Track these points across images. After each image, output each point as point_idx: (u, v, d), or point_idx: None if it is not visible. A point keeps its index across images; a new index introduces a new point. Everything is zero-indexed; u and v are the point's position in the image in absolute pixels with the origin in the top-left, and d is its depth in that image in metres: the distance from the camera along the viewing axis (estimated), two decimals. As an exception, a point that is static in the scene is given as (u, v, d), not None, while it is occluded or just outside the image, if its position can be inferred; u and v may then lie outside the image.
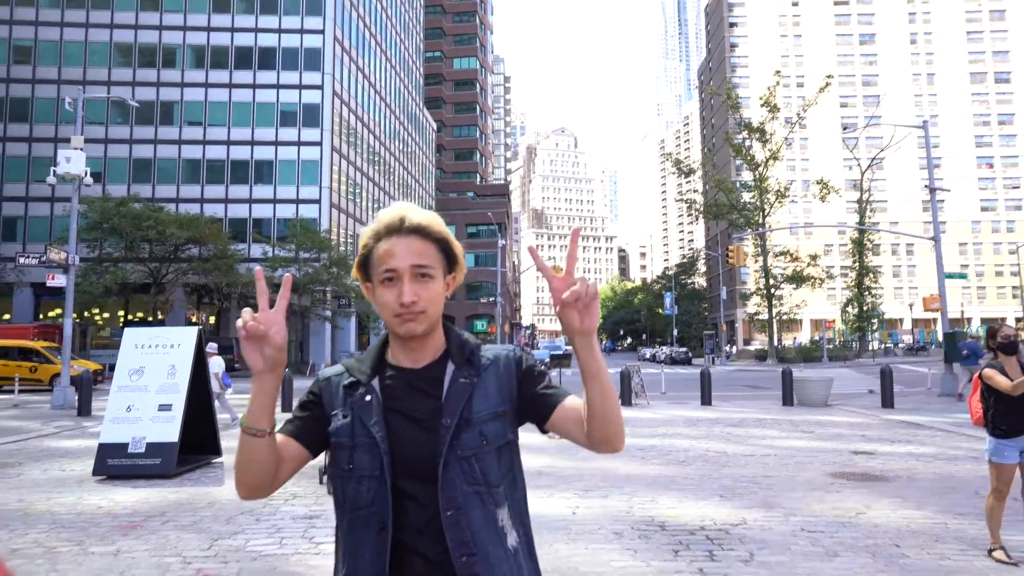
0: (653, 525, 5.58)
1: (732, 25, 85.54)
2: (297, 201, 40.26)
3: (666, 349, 56.04)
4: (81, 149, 16.41)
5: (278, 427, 1.35)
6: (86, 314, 38.37)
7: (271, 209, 40.46)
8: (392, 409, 1.31)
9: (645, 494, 6.72)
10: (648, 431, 11.63)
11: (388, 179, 53.14)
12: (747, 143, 48.19)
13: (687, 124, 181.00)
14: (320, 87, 40.62)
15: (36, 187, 37.87)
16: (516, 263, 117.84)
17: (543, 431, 1.38)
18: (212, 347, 14.28)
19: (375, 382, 1.34)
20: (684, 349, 55.19)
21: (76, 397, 16.82)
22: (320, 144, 40.19)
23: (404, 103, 59.05)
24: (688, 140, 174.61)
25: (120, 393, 8.10)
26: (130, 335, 8.51)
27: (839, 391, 19.38)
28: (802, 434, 11.43)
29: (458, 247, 1.35)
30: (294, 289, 36.18)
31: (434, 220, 1.32)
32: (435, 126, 74.44)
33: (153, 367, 8.20)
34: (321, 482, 7.28)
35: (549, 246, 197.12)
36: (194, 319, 41.41)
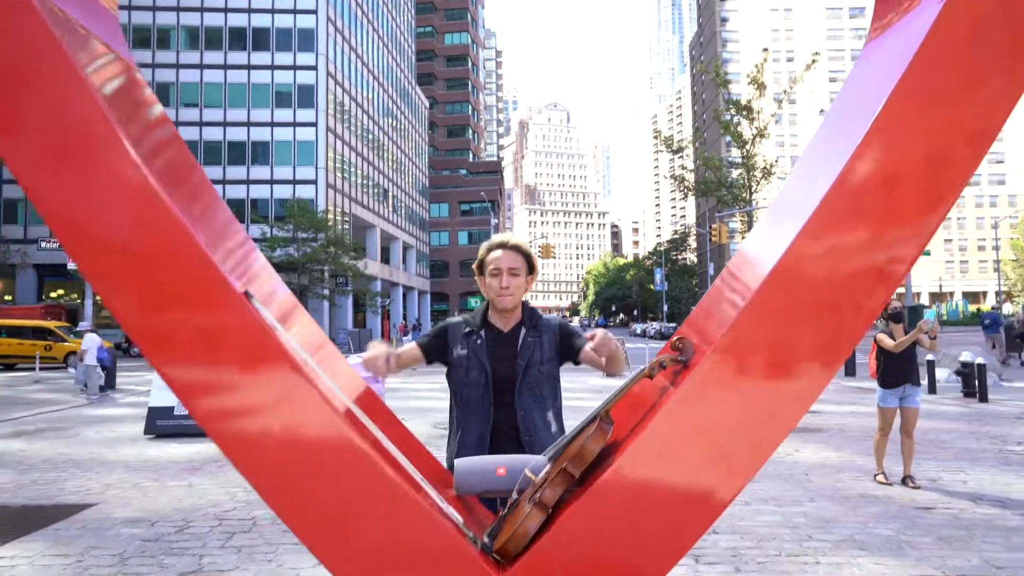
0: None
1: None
2: (294, 182, 41.09)
3: (656, 325, 57.56)
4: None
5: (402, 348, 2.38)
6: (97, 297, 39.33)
7: (268, 190, 41.27)
8: (491, 351, 2.22)
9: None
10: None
11: (381, 158, 53.84)
12: (735, 120, 49.07)
13: (679, 98, 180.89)
14: (314, 68, 41.18)
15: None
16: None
17: (576, 363, 2.35)
18: (84, 325, 16.05)
19: (483, 332, 2.25)
20: (673, 324, 56.74)
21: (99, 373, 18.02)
22: (315, 125, 40.89)
23: (396, 81, 59.45)
24: (680, 115, 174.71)
25: (164, 364, 9.30)
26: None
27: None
28: (764, 397, 12.79)
29: (535, 259, 2.29)
30: (291, 268, 37.27)
31: (522, 242, 2.29)
32: (427, 103, 74.78)
33: (192, 341, 9.39)
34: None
35: (542, 222, 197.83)
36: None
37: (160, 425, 8.99)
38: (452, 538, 1.48)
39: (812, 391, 1.54)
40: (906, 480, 5.92)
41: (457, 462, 1.77)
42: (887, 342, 5.91)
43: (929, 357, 13.74)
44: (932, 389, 13.03)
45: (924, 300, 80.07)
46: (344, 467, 1.47)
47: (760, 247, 1.79)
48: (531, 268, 2.26)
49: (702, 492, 1.54)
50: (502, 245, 2.24)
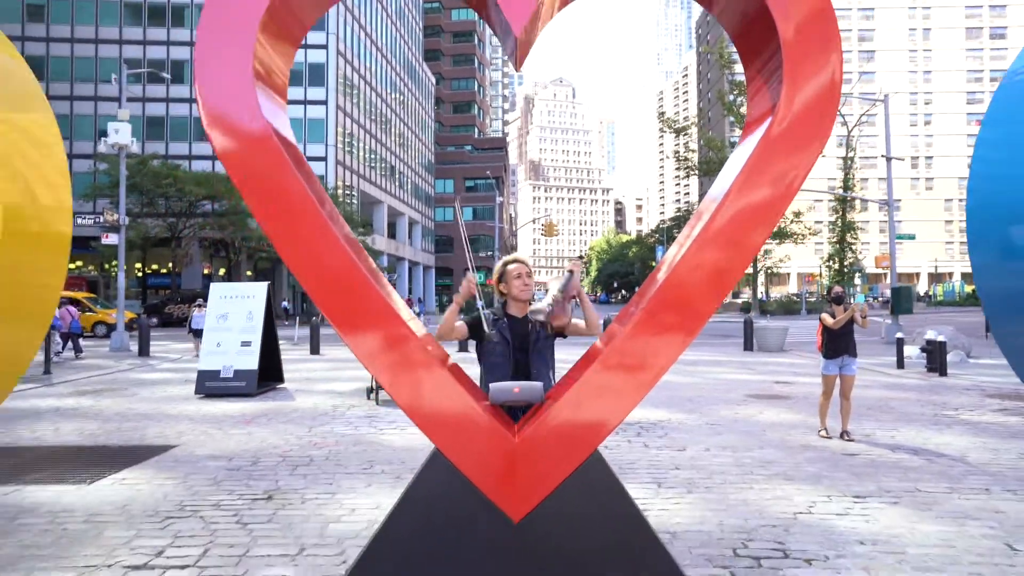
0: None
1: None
2: (306, 159, 42.03)
3: (655, 301, 58.56)
4: (127, 121, 18.45)
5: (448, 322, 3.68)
6: (106, 267, 40.64)
7: (280, 166, 42.24)
8: (512, 330, 3.37)
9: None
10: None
11: (387, 134, 54.63)
12: (738, 101, 49.67)
13: (685, 75, 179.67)
14: (324, 46, 41.88)
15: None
16: (513, 216, 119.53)
17: (563, 336, 3.54)
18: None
19: (504, 320, 3.42)
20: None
21: (129, 340, 19.37)
22: (325, 103, 41.75)
23: (403, 57, 59.92)
24: (687, 92, 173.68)
25: (212, 333, 10.59)
26: (216, 288, 10.96)
27: (807, 339, 22.06)
28: (745, 370, 14.05)
29: (528, 265, 3.53)
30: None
31: (528, 258, 3.58)
32: (433, 80, 75.14)
33: (235, 313, 10.66)
34: (368, 398, 9.86)
35: (546, 198, 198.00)
36: (207, 271, 43.76)
37: (209, 386, 10.28)
38: (483, 415, 2.69)
39: (678, 349, 2.72)
40: (843, 435, 7.17)
41: (492, 384, 2.97)
42: (828, 320, 7.12)
43: (899, 335, 14.98)
44: (900, 364, 14.25)
45: (923, 281, 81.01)
46: (434, 376, 2.68)
47: (668, 256, 2.97)
48: (527, 268, 3.54)
49: (621, 392, 2.74)
50: (517, 260, 3.48)
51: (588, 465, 2.79)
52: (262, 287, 10.92)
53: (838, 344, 7.15)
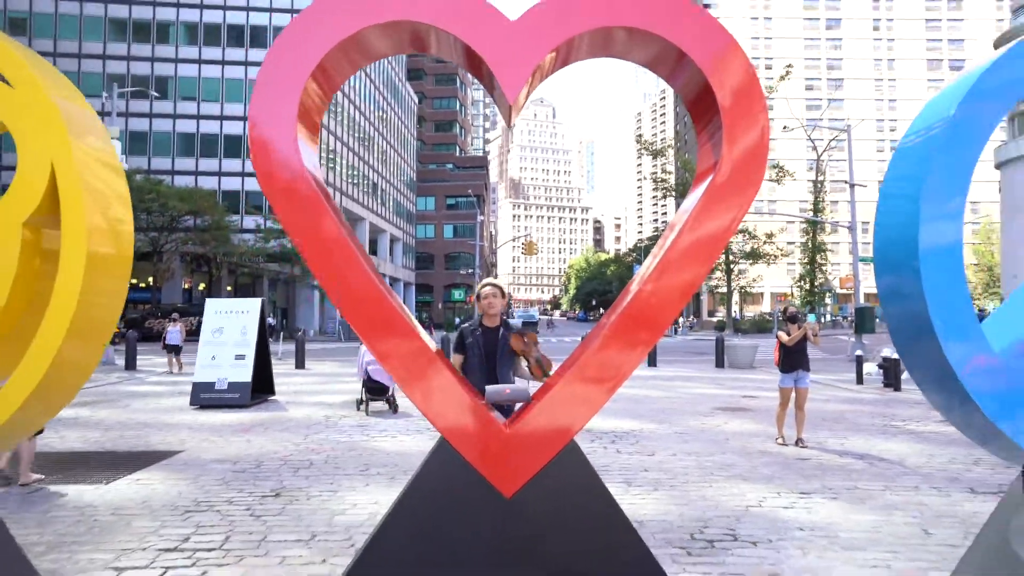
0: (581, 431, 8.75)
1: (706, 6, 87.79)
2: (287, 175, 42.41)
3: (633, 319, 59.54)
4: (117, 138, 18.81)
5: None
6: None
7: (262, 182, 42.56)
8: (485, 340, 4.22)
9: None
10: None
11: (370, 151, 55.21)
12: (713, 126, 51.09)
13: (663, 97, 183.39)
14: (309, 66, 42.46)
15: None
16: (493, 234, 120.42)
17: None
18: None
19: (479, 332, 4.26)
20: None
21: (114, 354, 19.55)
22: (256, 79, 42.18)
23: (386, 76, 60.73)
24: (664, 113, 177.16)
25: (206, 347, 11.02)
26: (211, 304, 11.42)
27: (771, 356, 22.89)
28: (715, 385, 14.79)
29: (505, 289, 4.33)
30: (285, 259, 38.64)
31: (500, 282, 4.35)
32: (416, 98, 76.02)
33: (230, 327, 11.12)
34: (358, 409, 10.36)
35: (526, 216, 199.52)
36: (187, 286, 43.71)
37: (203, 398, 10.70)
38: (476, 405, 3.29)
39: (636, 362, 3.36)
40: (798, 442, 7.86)
41: (487, 387, 3.58)
42: (783, 337, 7.85)
43: (858, 353, 15.86)
44: (859, 380, 15.10)
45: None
46: (439, 378, 3.28)
47: (636, 277, 3.62)
48: (503, 294, 4.36)
49: (590, 398, 3.37)
50: (489, 283, 4.33)
51: (572, 464, 3.38)
52: (256, 303, 11.40)
53: (793, 359, 7.87)
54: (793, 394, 7.98)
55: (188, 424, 9.19)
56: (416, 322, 3.48)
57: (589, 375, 3.35)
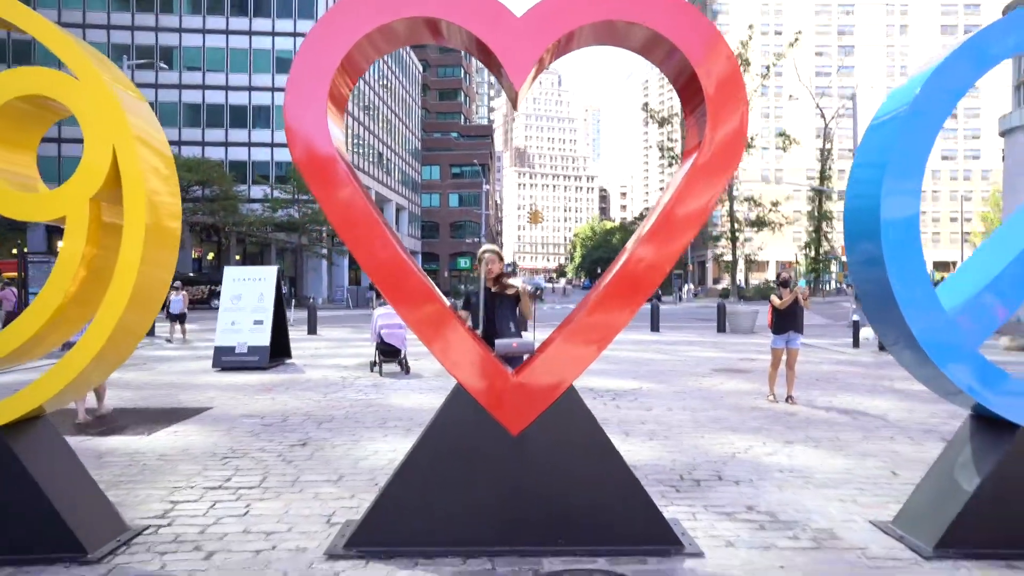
0: (584, 389, 9.27)
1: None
2: (294, 145, 42.62)
3: (638, 287, 59.90)
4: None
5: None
6: (96, 250, 41.00)
7: (269, 152, 42.81)
8: (487, 296, 4.76)
9: (583, 377, 10.43)
10: (600, 347, 15.41)
11: (375, 121, 55.16)
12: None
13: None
14: (313, 34, 42.29)
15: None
16: (499, 203, 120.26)
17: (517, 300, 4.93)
18: None
19: (482, 291, 4.81)
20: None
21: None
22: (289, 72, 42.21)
23: (390, 45, 60.27)
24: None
25: (226, 313, 11.56)
26: (229, 272, 11.92)
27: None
28: (715, 349, 15.29)
29: (502, 253, 4.90)
30: (292, 229, 39.09)
31: (497, 248, 4.93)
32: (420, 67, 75.42)
33: (248, 294, 11.64)
34: (371, 371, 10.92)
35: (531, 184, 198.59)
36: (196, 255, 44.29)
37: (225, 360, 11.28)
38: (488, 357, 3.77)
39: (623, 323, 3.82)
40: (789, 398, 8.36)
41: (496, 341, 4.05)
42: (776, 301, 8.29)
43: (855, 318, 16.27)
44: (856, 344, 15.57)
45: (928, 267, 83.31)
46: (455, 335, 3.76)
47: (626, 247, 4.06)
48: (500, 258, 4.95)
49: (583, 353, 3.84)
50: (489, 250, 4.88)
51: (572, 408, 3.86)
52: (272, 270, 11.90)
53: (785, 322, 8.33)
54: (784, 355, 8.46)
55: (213, 384, 9.77)
56: (435, 286, 3.94)
57: (582, 334, 3.83)
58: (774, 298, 8.37)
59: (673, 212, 3.74)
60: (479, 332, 4.67)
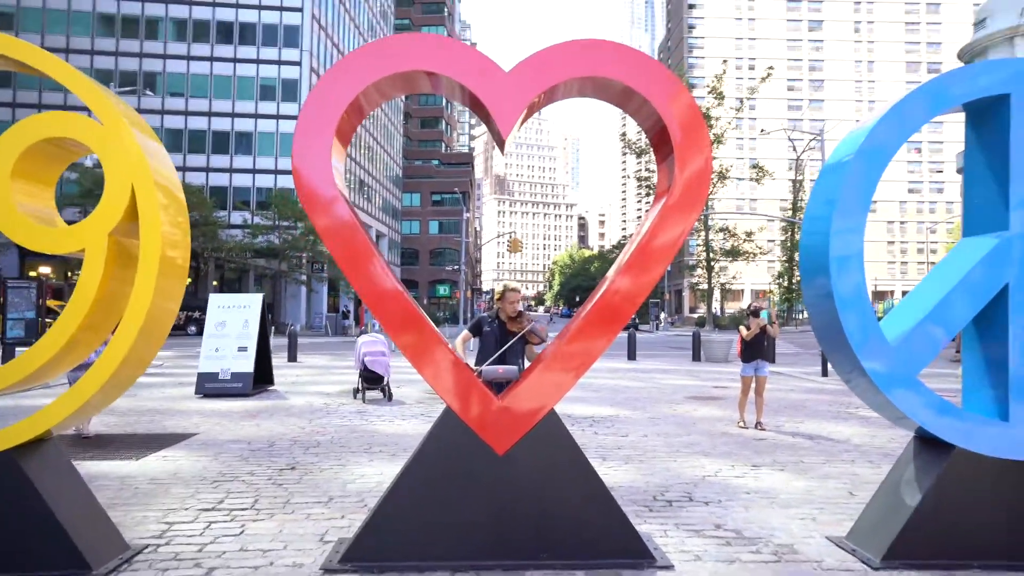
0: (563, 416, 9.52)
1: (691, 7, 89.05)
2: (276, 172, 42.85)
3: (616, 315, 60.59)
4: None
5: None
6: (69, 275, 40.54)
7: (250, 179, 42.94)
8: (500, 330, 5.17)
9: (562, 404, 10.72)
10: (579, 374, 15.72)
11: (356, 148, 55.59)
12: (695, 126, 52.09)
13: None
14: (298, 63, 42.89)
15: (20, 151, 39.53)
16: (478, 230, 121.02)
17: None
18: None
19: (495, 323, 5.20)
20: (632, 316, 59.86)
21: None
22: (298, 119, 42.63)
23: (373, 74, 61.10)
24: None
25: (210, 339, 11.69)
26: (214, 299, 12.07)
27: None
28: (690, 377, 15.69)
29: (520, 292, 5.33)
30: (272, 255, 39.09)
31: (518, 286, 5.32)
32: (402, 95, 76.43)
33: (232, 321, 11.79)
34: (355, 397, 11.09)
35: (511, 212, 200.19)
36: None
37: (208, 387, 11.37)
38: (475, 382, 4.07)
39: (600, 350, 4.16)
40: (757, 425, 8.73)
41: (483, 367, 4.36)
42: (744, 331, 8.71)
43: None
44: (824, 372, 16.08)
45: (896, 297, 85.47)
46: (446, 361, 4.06)
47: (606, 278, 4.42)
48: (519, 293, 5.29)
49: (562, 380, 4.16)
50: (514, 288, 5.33)
51: (553, 431, 4.15)
52: (257, 298, 12.08)
53: (753, 350, 8.74)
54: (753, 382, 8.85)
55: (197, 410, 9.87)
56: (426, 315, 4.25)
57: (562, 361, 4.16)
58: (742, 329, 8.79)
59: (647, 247, 4.11)
60: (488, 361, 4.96)
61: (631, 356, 20.97)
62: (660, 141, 4.27)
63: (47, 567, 3.66)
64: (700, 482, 6.02)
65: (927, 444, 4.28)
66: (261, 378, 12.16)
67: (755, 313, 8.88)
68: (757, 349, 8.75)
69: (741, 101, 52.28)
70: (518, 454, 4.07)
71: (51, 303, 26.41)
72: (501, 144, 4.29)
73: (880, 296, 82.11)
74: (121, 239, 3.94)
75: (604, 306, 4.11)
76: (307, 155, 3.98)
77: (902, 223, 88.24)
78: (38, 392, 11.29)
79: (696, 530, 4.70)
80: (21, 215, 3.74)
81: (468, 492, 4.04)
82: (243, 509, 5.08)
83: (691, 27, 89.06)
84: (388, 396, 11.03)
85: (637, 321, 58.59)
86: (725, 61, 55.04)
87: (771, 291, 70.15)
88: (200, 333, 31.36)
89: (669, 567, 3.98)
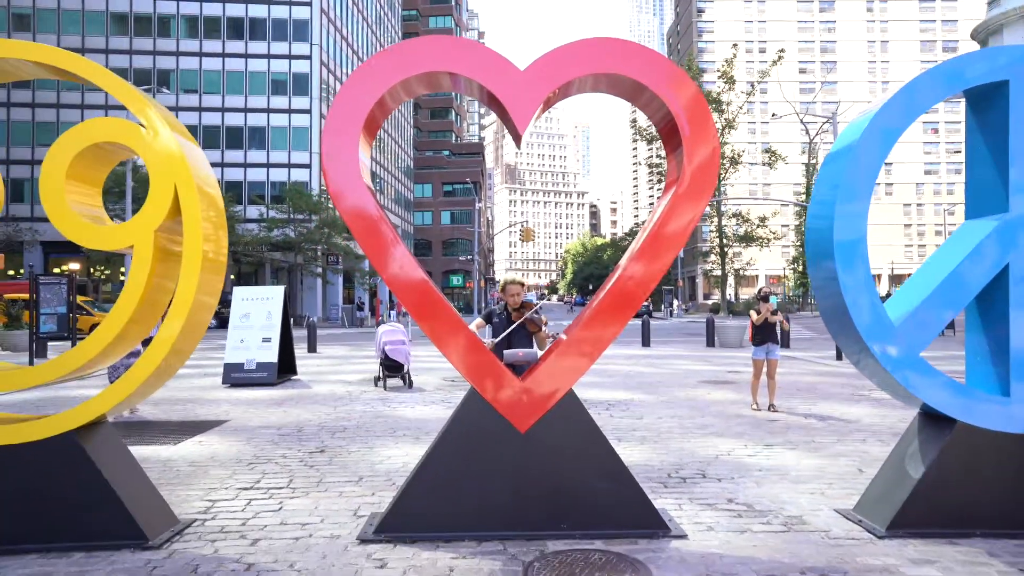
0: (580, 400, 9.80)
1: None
2: (289, 165, 43.26)
3: (629, 302, 60.72)
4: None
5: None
6: (92, 271, 41.32)
7: (264, 173, 43.39)
8: (507, 318, 5.48)
9: (579, 389, 10.96)
10: (594, 361, 15.95)
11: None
12: (706, 112, 51.84)
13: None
14: (308, 57, 43.15)
15: (41, 151, 40.24)
16: (490, 220, 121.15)
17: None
18: None
19: (504, 314, 5.49)
20: (645, 303, 59.94)
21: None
22: (310, 112, 43.00)
23: (383, 66, 61.25)
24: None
25: (235, 331, 12.04)
26: (238, 292, 12.42)
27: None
28: (703, 362, 15.87)
29: (525, 283, 5.61)
30: (288, 248, 39.56)
31: (522, 279, 5.66)
32: (412, 86, 76.40)
33: (256, 313, 12.13)
34: (376, 385, 11.41)
35: (522, 201, 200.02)
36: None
37: (234, 377, 11.74)
38: (498, 364, 4.32)
39: (614, 335, 4.38)
40: (770, 407, 8.93)
41: (505, 351, 4.61)
42: (754, 316, 8.89)
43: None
44: (839, 356, 16.19)
45: (884, 282, 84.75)
46: (470, 345, 4.30)
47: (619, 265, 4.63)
48: (522, 286, 5.55)
49: (578, 363, 4.40)
50: (515, 281, 5.57)
51: (572, 410, 4.39)
52: (279, 290, 12.41)
53: (764, 335, 8.92)
54: (765, 366, 9.03)
55: (226, 399, 10.23)
56: (452, 307, 4.49)
57: (578, 346, 4.39)
58: (752, 314, 8.97)
59: (658, 235, 4.32)
60: (494, 347, 5.22)
61: (645, 343, 21.16)
62: (670, 133, 4.46)
63: (108, 538, 3.98)
64: (713, 461, 6.24)
65: (931, 419, 4.47)
66: (285, 368, 12.51)
67: (765, 298, 9.05)
68: (768, 333, 8.92)
69: (752, 85, 51.93)
70: (539, 432, 4.31)
71: (79, 299, 26.99)
72: (518, 139, 4.51)
73: (898, 279, 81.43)
74: (163, 236, 4.21)
75: (617, 293, 4.33)
76: (335, 154, 4.22)
77: (919, 205, 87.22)
78: (73, 384, 11.73)
79: (709, 504, 4.93)
80: (75, 214, 4.02)
81: (492, 468, 4.30)
82: (279, 488, 5.39)
83: (700, 11, 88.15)
84: (408, 383, 11.33)
85: (651, 308, 58.72)
86: (735, 45, 54.52)
87: (785, 276, 69.89)
88: (221, 326, 31.95)
89: (683, 536, 4.22)
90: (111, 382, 5.74)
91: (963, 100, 4.89)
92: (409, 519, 4.21)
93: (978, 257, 4.28)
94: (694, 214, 4.33)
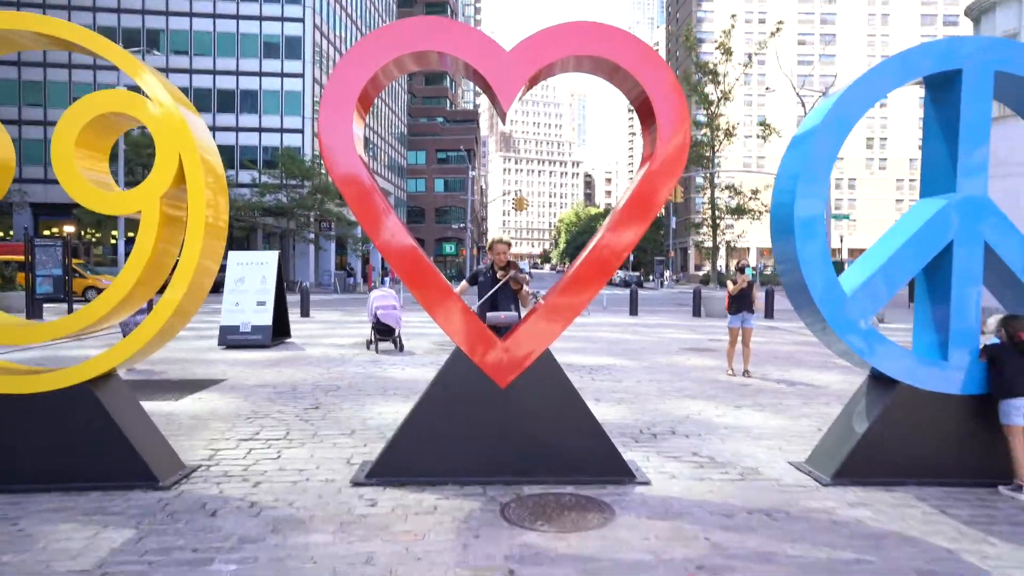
0: (563, 364, 10.21)
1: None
2: (281, 130, 42.96)
3: (620, 273, 61.27)
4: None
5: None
6: (83, 234, 41.20)
7: (256, 137, 43.09)
8: (492, 278, 5.78)
9: (563, 355, 11.39)
10: (578, 329, 16.36)
11: (362, 106, 55.44)
12: (702, 82, 51.79)
13: (656, 50, 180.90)
14: (301, 20, 42.52)
15: (28, 110, 39.79)
16: (484, 188, 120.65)
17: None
18: None
19: (489, 273, 5.80)
20: (636, 274, 60.43)
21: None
22: (302, 76, 42.56)
23: (376, 28, 60.41)
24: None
25: (231, 294, 12.34)
26: (233, 256, 12.68)
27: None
28: (688, 331, 16.33)
29: (510, 242, 5.93)
30: (281, 213, 39.56)
31: (508, 239, 5.97)
32: (406, 51, 75.27)
33: (251, 277, 12.42)
34: (368, 348, 11.79)
35: (516, 169, 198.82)
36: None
37: (230, 339, 12.08)
38: (481, 326, 4.67)
39: (587, 301, 4.74)
40: (745, 373, 9.37)
41: (487, 313, 4.96)
42: (730, 286, 9.28)
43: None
44: (818, 328, 16.68)
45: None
46: (456, 308, 4.65)
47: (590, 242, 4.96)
48: (508, 246, 5.74)
49: (553, 326, 4.75)
50: (501, 241, 5.79)
51: (548, 369, 4.76)
52: (273, 255, 12.68)
53: (739, 304, 9.32)
54: (740, 333, 9.45)
55: (222, 360, 10.59)
56: (440, 273, 4.82)
57: (554, 311, 4.75)
58: (729, 284, 9.36)
59: (631, 208, 4.65)
60: (478, 307, 5.58)
61: (633, 312, 21.59)
62: (645, 112, 4.75)
63: (122, 479, 4.35)
64: (684, 420, 6.67)
65: (878, 381, 4.88)
66: (279, 331, 12.85)
67: (741, 269, 9.42)
68: (743, 303, 9.32)
69: (750, 57, 51.67)
70: (518, 388, 4.69)
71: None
72: (503, 115, 4.79)
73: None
74: (167, 202, 4.50)
75: (592, 262, 4.67)
76: (331, 128, 4.49)
77: (911, 180, 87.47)
78: (72, 344, 12.05)
79: (674, 456, 5.36)
80: (85, 180, 4.29)
81: (474, 419, 4.68)
82: (277, 439, 5.77)
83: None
84: (400, 347, 11.71)
85: (641, 278, 59.27)
86: (734, 16, 54.05)
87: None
88: (214, 291, 32.05)
89: (647, 483, 4.64)
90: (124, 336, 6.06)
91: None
92: (398, 466, 4.61)
93: (925, 233, 4.63)
94: (665, 190, 4.65)
